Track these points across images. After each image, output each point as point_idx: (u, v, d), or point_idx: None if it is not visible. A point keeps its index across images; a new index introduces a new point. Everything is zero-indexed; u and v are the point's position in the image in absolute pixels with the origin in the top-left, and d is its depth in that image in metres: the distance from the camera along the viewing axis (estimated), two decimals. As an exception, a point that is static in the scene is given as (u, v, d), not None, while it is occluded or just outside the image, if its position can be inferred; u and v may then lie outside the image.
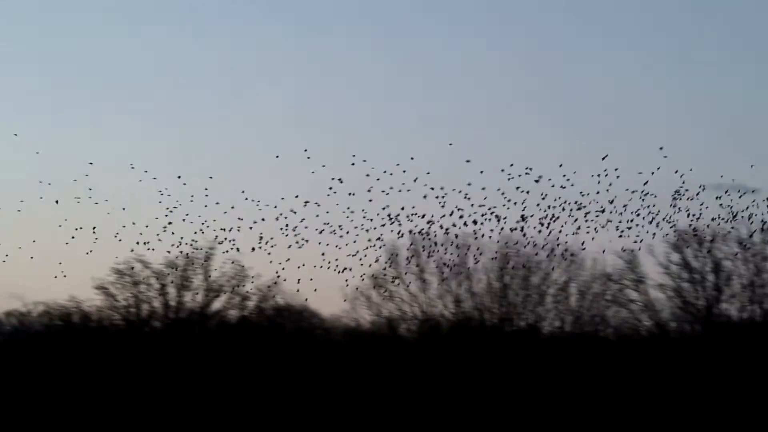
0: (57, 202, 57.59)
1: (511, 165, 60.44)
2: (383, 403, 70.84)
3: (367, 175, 53.78)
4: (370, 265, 69.06)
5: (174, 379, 73.35)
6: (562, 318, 69.96)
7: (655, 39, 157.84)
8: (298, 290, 59.39)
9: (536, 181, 60.48)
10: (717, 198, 66.95)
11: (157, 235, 55.69)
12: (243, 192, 55.01)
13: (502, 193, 58.81)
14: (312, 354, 73.68)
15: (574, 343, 69.29)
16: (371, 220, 57.94)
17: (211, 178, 55.18)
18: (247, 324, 75.24)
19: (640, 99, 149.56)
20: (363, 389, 72.32)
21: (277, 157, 55.63)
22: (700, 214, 67.16)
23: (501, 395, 69.13)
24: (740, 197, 67.05)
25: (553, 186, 62.59)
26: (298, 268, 63.13)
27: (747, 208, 67.53)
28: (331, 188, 53.76)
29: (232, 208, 56.64)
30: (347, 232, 56.94)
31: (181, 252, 63.00)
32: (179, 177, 55.54)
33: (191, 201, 55.01)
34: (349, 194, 57.16)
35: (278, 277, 67.28)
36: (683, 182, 66.70)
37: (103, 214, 56.77)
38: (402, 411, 70.26)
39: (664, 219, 66.62)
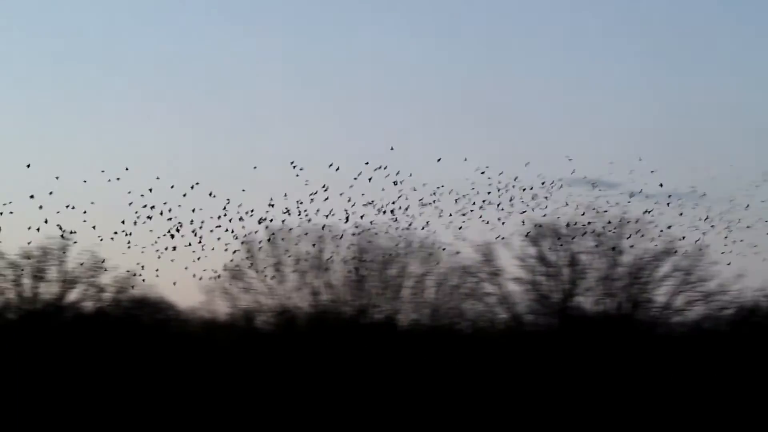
0: None
1: (367, 163, 60.90)
2: (240, 395, 69.91)
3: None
4: (227, 257, 68.74)
5: (28, 371, 71.65)
6: (418, 311, 69.43)
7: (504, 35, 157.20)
8: (155, 282, 58.89)
9: (396, 182, 60.92)
10: (575, 193, 67.73)
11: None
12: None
13: (360, 186, 59.26)
14: (168, 346, 72.44)
15: (431, 335, 68.83)
16: (227, 211, 57.94)
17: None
18: (103, 316, 73.65)
19: (506, 95, 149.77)
20: (219, 380, 71.43)
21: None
22: (558, 207, 67.80)
23: (357, 387, 68.56)
24: (598, 191, 67.62)
25: (410, 176, 62.72)
26: (158, 258, 62.64)
27: (607, 202, 68.44)
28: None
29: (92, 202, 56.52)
30: (203, 223, 57.14)
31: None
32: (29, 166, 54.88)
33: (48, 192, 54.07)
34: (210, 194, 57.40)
35: (136, 268, 67.05)
36: (542, 177, 67.61)
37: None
38: (258, 403, 69.36)
39: (521, 212, 67.03)
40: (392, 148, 62.75)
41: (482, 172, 64.67)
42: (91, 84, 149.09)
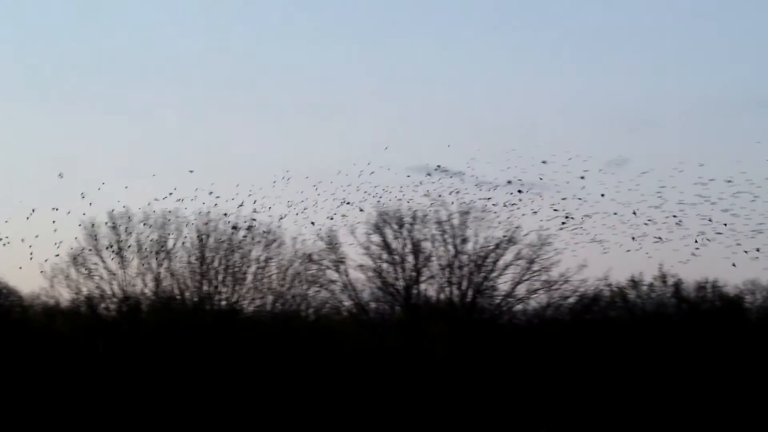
0: None
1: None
2: (83, 381, 68.96)
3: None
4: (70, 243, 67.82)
5: None
6: (262, 297, 69.26)
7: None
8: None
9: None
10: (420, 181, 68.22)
11: None
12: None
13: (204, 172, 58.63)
14: (9, 332, 71.12)
15: (276, 322, 68.72)
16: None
17: None
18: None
19: (347, 85, 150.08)
20: (62, 367, 70.44)
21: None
22: (402, 195, 68.23)
23: (202, 374, 68.17)
24: (443, 179, 68.19)
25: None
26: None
27: (452, 191, 69.00)
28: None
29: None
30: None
31: None
32: None
33: None
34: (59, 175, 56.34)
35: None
36: (387, 166, 68.01)
37: None
38: (103, 389, 68.47)
39: (362, 200, 67.27)
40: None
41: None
42: None
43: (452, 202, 69.38)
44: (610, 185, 70.69)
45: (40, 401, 68.83)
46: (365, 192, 67.57)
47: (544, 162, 64.91)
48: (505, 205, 68.88)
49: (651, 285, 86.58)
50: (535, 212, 69.43)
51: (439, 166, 66.22)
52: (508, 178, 68.90)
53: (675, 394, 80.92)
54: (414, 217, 68.96)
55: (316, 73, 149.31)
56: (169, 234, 68.66)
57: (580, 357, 73.68)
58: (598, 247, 70.74)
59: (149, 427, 66.87)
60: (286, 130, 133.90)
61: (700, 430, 78.49)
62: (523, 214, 69.99)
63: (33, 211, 60.51)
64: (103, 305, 71.51)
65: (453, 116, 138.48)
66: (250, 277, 68.29)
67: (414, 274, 69.55)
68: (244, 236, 67.40)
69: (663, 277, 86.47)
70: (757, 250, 63.25)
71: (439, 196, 69.11)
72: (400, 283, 69.96)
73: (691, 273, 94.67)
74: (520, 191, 63.81)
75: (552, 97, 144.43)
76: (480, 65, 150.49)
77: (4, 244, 60.96)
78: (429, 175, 67.11)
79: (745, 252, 64.94)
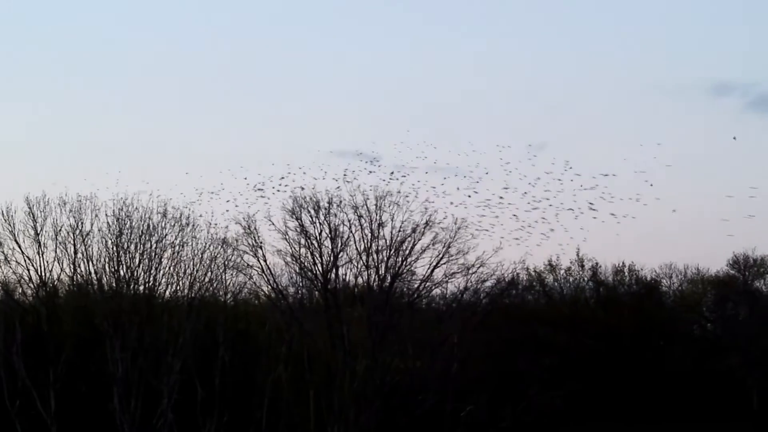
0: None
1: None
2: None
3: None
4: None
5: None
6: (178, 282, 69.26)
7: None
8: None
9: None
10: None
11: None
12: None
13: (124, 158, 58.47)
14: None
15: (192, 306, 68.70)
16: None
17: None
18: None
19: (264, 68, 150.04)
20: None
21: None
22: (320, 179, 68.78)
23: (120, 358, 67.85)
24: (361, 163, 68.84)
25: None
26: None
27: (369, 175, 69.69)
28: None
29: None
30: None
31: None
32: None
33: None
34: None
35: None
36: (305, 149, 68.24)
37: None
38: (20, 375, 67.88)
39: (280, 185, 67.74)
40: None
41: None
42: None
43: (369, 187, 69.94)
44: (528, 169, 72.16)
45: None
46: (283, 177, 68.04)
47: (465, 146, 65.99)
48: (423, 189, 69.91)
49: (569, 269, 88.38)
50: (454, 196, 70.68)
51: (358, 151, 66.90)
52: (426, 162, 69.94)
53: (594, 375, 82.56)
54: (330, 202, 69.31)
55: (234, 55, 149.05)
56: (85, 219, 68.25)
57: (500, 339, 74.75)
58: (517, 231, 72.05)
59: (68, 414, 66.68)
60: (206, 115, 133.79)
61: (618, 408, 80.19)
62: (442, 198, 71.18)
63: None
64: (19, 291, 71.04)
65: (374, 101, 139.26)
66: (166, 262, 67.96)
67: (332, 258, 69.89)
68: (160, 221, 67.30)
69: (580, 261, 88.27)
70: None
71: (356, 180, 69.76)
72: (318, 268, 70.35)
73: (608, 257, 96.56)
74: (438, 175, 64.65)
75: (474, 80, 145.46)
76: (404, 47, 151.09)
77: None
78: (352, 158, 67.79)
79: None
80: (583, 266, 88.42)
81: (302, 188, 67.87)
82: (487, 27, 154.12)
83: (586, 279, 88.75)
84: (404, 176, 68.10)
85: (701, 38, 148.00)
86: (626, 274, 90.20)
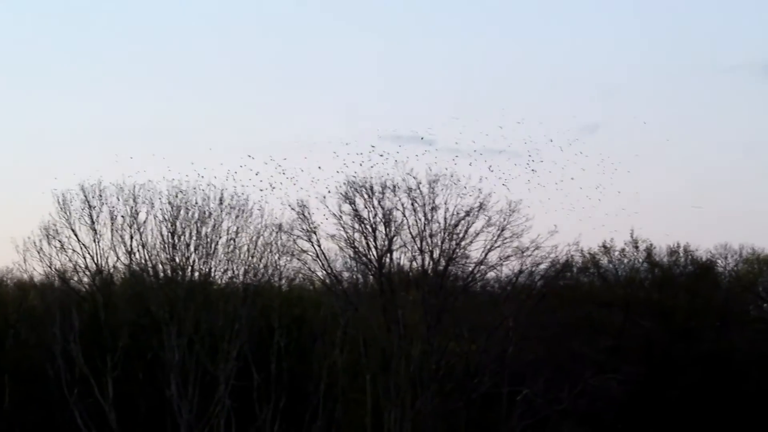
0: None
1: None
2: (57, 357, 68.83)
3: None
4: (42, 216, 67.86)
5: None
6: (234, 268, 69.37)
7: None
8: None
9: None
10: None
11: None
12: None
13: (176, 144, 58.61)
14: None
15: (247, 293, 68.80)
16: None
17: None
18: None
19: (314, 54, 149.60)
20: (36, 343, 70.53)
21: None
22: (373, 164, 68.52)
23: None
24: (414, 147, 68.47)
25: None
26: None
27: (423, 158, 69.26)
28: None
29: None
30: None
31: None
32: None
33: None
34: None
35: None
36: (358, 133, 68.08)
37: None
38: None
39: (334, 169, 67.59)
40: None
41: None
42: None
43: (423, 170, 69.62)
44: (581, 151, 71.46)
45: (18, 376, 68.97)
46: (337, 161, 67.95)
47: (516, 128, 65.41)
48: (476, 171, 69.48)
49: (623, 250, 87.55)
50: (507, 178, 70.14)
51: (412, 134, 66.57)
52: (480, 145, 69.45)
53: (649, 358, 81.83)
54: (384, 186, 68.99)
55: (281, 42, 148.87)
56: (141, 206, 68.52)
57: (555, 322, 74.28)
58: (569, 213, 71.41)
59: (125, 401, 67.09)
60: (256, 101, 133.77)
61: (674, 395, 79.40)
62: (495, 181, 70.66)
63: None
64: (76, 279, 71.55)
65: (427, 84, 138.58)
66: (221, 249, 68.07)
67: (386, 243, 69.64)
68: (216, 207, 67.41)
69: (635, 243, 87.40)
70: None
71: (409, 163, 69.51)
72: (373, 253, 70.11)
73: (662, 237, 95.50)
74: (491, 157, 64.14)
75: (526, 62, 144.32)
76: (455, 32, 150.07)
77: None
78: (406, 142, 67.52)
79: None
80: (637, 247, 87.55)
81: (356, 172, 67.46)
82: (540, 6, 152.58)
83: (640, 260, 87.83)
84: (457, 158, 67.43)
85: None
86: (681, 254, 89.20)
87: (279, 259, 69.61)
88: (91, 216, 69.78)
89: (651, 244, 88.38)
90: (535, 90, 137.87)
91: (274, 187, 67.71)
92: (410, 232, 70.00)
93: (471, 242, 70.55)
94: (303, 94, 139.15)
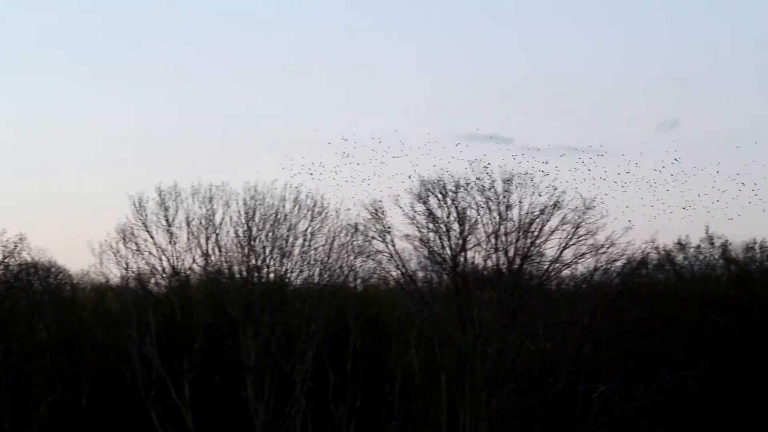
0: None
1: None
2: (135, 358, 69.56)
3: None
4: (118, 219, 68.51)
5: None
6: (310, 269, 69.53)
7: None
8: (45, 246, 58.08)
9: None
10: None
11: None
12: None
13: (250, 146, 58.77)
14: (60, 311, 72.05)
15: (323, 293, 68.98)
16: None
17: None
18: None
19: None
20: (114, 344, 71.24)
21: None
22: (447, 163, 68.32)
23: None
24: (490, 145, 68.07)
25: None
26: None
27: (497, 157, 68.91)
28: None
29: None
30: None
31: None
32: None
33: None
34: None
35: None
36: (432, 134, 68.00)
37: None
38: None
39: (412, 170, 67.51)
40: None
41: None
42: None
43: (496, 168, 69.28)
44: (658, 147, 70.56)
45: (95, 378, 69.71)
46: (410, 161, 67.84)
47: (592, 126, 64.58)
48: (551, 169, 68.94)
49: (698, 247, 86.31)
50: (581, 176, 69.55)
51: (488, 134, 66.14)
52: (555, 142, 68.80)
53: (726, 355, 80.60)
54: (458, 185, 68.70)
55: (356, 40, 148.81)
56: (216, 208, 68.93)
57: (631, 319, 73.47)
58: (645, 210, 70.59)
59: (202, 403, 67.52)
60: (329, 97, 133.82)
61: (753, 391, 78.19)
62: (569, 179, 70.09)
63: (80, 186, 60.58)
64: (152, 281, 72.07)
65: (503, 82, 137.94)
66: (297, 250, 68.26)
67: (460, 242, 69.35)
68: (291, 208, 67.63)
69: (710, 239, 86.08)
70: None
71: (483, 162, 69.16)
72: (447, 252, 69.83)
73: (738, 233, 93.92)
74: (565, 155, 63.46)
75: (600, 59, 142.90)
76: (533, 30, 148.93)
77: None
78: (481, 140, 67.01)
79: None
80: (713, 244, 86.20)
81: (429, 172, 67.27)
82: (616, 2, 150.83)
83: (716, 257, 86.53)
84: (533, 157, 66.97)
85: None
86: (757, 250, 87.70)
87: (354, 259, 69.61)
88: (167, 218, 70.35)
89: (727, 240, 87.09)
90: (613, 87, 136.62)
91: (349, 186, 67.54)
92: (485, 231, 69.49)
93: (546, 240, 70.05)
94: (378, 93, 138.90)
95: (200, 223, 69.27)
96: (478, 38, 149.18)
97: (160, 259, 70.88)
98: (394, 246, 70.11)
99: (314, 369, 66.88)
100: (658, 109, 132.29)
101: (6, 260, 72.74)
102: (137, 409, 67.94)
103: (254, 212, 68.02)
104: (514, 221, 69.51)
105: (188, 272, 71.14)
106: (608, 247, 70.90)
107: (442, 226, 69.44)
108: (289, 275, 69.31)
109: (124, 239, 70.29)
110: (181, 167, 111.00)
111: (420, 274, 71.56)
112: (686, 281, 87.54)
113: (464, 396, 67.94)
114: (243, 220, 68.22)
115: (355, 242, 68.93)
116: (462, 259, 69.91)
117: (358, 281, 72.77)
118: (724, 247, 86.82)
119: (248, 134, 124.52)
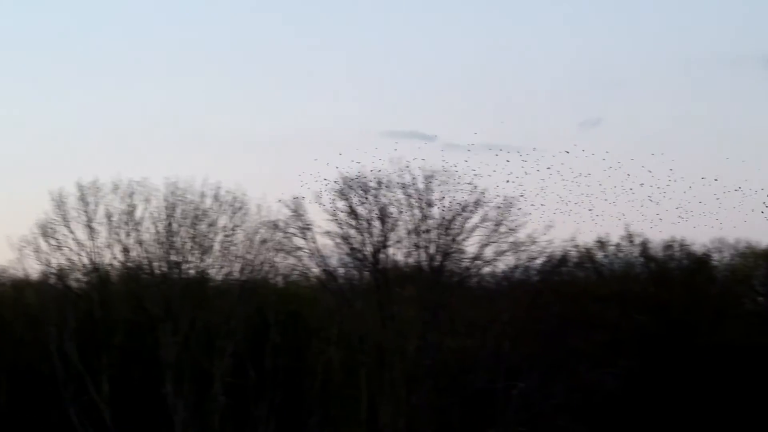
0: None
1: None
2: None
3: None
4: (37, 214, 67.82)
5: None
6: (230, 265, 69.42)
7: None
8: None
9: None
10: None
11: None
12: None
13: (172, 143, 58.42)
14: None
15: (244, 290, 68.91)
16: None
17: None
18: None
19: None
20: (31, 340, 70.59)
21: None
22: (368, 160, 68.47)
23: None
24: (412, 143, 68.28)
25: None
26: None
27: (418, 154, 69.25)
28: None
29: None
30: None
31: None
32: None
33: None
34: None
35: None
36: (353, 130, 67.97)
37: None
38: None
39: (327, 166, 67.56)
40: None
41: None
42: None
43: (417, 165, 69.55)
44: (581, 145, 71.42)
45: (14, 374, 69.07)
46: (331, 158, 67.96)
47: (514, 124, 65.25)
48: (471, 167, 69.47)
49: (618, 245, 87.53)
50: (502, 174, 70.15)
51: (410, 131, 66.36)
52: (476, 139, 69.43)
53: (645, 352, 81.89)
54: (379, 182, 68.89)
55: (285, 38, 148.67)
56: (136, 204, 68.57)
57: (551, 317, 74.19)
58: (565, 208, 71.35)
59: (121, 399, 67.20)
60: (256, 96, 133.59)
61: (670, 386, 79.47)
62: (490, 176, 70.65)
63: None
64: (72, 277, 71.51)
65: (424, 80, 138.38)
66: (217, 246, 68.14)
67: (381, 239, 69.56)
68: (211, 204, 67.47)
69: (630, 237, 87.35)
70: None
71: (405, 159, 69.46)
72: (368, 249, 70.00)
73: (657, 232, 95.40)
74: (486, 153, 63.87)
75: (523, 57, 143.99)
76: (454, 28, 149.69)
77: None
78: (402, 138, 67.27)
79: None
80: (632, 242, 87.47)
81: (351, 169, 67.43)
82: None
83: (636, 255, 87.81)
84: (453, 154, 67.41)
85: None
86: (676, 248, 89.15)
87: (274, 256, 69.54)
88: (87, 214, 69.63)
89: (646, 239, 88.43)
90: (535, 86, 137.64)
91: (270, 182, 67.53)
92: (406, 228, 69.73)
93: (467, 238, 70.38)
94: (299, 90, 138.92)
95: (120, 218, 68.61)
96: (403, 35, 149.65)
97: (80, 255, 70.24)
98: (315, 243, 70.13)
99: (234, 365, 66.75)
100: (581, 107, 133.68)
101: None
102: (56, 406, 67.41)
103: (174, 208, 67.52)
104: (435, 218, 69.63)
105: (108, 268, 70.55)
106: (529, 245, 71.47)
107: (363, 222, 69.51)
108: (209, 271, 68.99)
109: (43, 234, 69.44)
110: (101, 163, 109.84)
111: (341, 270, 71.60)
112: (606, 279, 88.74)
113: (384, 393, 68.17)
114: (163, 216, 67.59)
115: (275, 238, 68.65)
116: (383, 255, 70.03)
117: (279, 278, 72.67)
118: (644, 245, 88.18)
119: (169, 130, 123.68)
